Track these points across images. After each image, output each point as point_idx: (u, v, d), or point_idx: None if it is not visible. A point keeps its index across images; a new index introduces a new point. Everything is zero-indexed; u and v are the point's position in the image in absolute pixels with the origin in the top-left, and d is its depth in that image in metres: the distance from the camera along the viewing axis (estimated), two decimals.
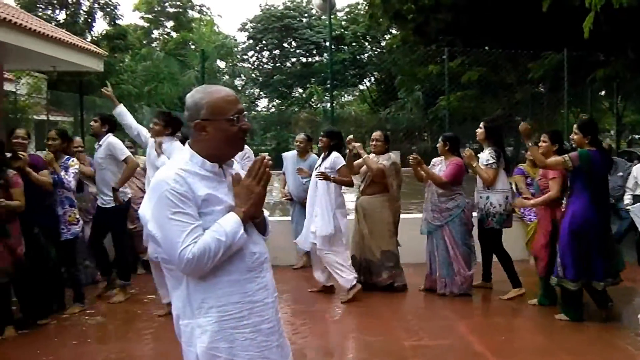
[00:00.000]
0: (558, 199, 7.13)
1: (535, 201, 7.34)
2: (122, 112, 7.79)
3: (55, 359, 5.99)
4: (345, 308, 7.54)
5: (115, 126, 7.95)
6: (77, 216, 7.54)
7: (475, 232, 8.06)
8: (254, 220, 2.84)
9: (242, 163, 7.50)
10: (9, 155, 6.78)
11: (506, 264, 7.90)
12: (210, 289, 2.73)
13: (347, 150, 7.97)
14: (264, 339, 2.76)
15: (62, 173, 7.31)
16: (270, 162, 2.81)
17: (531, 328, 6.79)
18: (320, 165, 7.93)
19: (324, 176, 7.63)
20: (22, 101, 22.81)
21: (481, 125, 7.98)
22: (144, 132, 7.66)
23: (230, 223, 2.69)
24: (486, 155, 7.76)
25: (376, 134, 8.42)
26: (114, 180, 7.68)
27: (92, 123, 7.97)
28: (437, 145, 8.24)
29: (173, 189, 2.66)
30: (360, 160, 8.16)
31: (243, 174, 2.81)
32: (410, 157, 8.13)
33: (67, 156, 7.59)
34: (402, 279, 8.19)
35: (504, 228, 7.85)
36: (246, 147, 8.04)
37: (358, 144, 8.03)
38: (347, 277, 7.69)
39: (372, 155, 8.28)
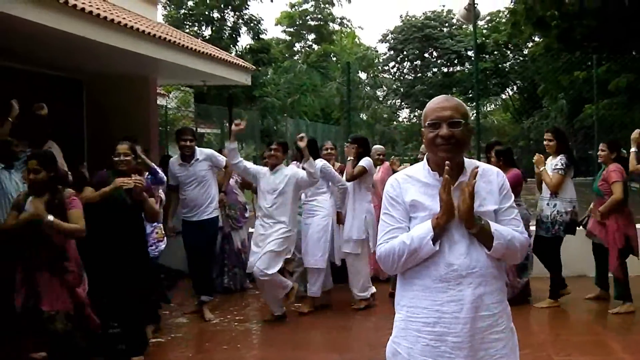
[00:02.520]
0: (622, 202, 7.36)
1: (604, 207, 7.44)
2: (235, 148, 7.39)
3: None
4: None
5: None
6: (163, 232, 7.27)
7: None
8: (470, 230, 2.78)
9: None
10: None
11: (556, 274, 7.82)
12: (406, 288, 2.88)
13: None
14: (449, 351, 2.75)
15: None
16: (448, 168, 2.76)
17: None
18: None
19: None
20: (172, 114, 23.86)
21: (549, 135, 7.96)
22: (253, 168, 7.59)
23: (420, 228, 2.79)
24: (557, 161, 7.67)
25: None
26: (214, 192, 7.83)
27: (188, 143, 7.63)
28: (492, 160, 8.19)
29: (387, 192, 2.94)
30: None
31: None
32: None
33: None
34: None
35: (566, 235, 7.73)
36: (321, 160, 7.98)
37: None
38: None
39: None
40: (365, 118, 40.72)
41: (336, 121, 36.51)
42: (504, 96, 50.43)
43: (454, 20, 49.62)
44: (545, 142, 7.98)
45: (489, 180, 2.90)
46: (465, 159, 2.93)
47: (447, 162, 2.76)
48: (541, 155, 7.90)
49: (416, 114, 51.31)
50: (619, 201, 7.37)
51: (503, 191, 2.91)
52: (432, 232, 2.75)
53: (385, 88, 49.29)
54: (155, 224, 6.95)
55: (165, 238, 7.27)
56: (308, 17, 51.16)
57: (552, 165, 7.71)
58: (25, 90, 8.67)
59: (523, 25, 24.66)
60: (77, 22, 7.20)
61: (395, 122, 50.34)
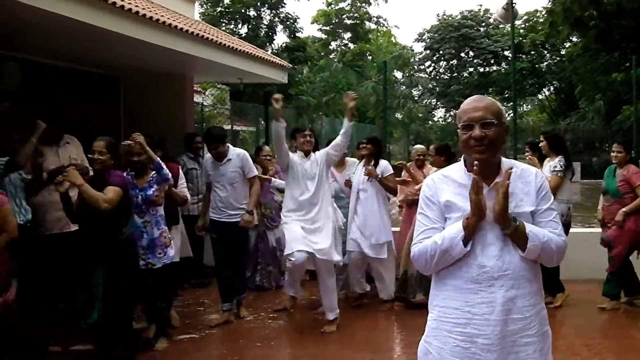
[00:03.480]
0: None
1: (628, 208, 7.41)
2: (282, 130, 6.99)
3: (240, 359, 6.28)
4: None
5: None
6: (170, 236, 6.60)
7: None
8: (505, 231, 2.74)
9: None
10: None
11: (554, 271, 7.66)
12: (439, 288, 2.88)
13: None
14: (479, 353, 2.72)
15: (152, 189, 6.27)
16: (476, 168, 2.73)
17: None
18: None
19: (373, 175, 7.68)
20: (208, 112, 23.96)
21: (541, 137, 8.06)
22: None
23: (451, 229, 2.77)
24: (555, 163, 7.68)
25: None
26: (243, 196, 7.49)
27: (219, 149, 7.28)
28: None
29: (423, 191, 2.95)
30: None
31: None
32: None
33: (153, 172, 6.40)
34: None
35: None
36: (350, 159, 8.51)
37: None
38: None
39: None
40: (400, 117, 40.66)
41: (372, 120, 36.46)
42: (540, 97, 50.12)
43: (491, 20, 49.32)
44: (540, 144, 8.08)
45: (527, 181, 2.86)
46: (504, 160, 2.90)
47: (475, 162, 2.74)
48: (534, 158, 7.91)
49: (452, 113, 51.13)
50: None
51: (541, 192, 2.87)
52: (462, 232, 2.72)
53: (420, 87, 49.22)
54: (162, 227, 6.44)
55: (172, 243, 6.64)
56: (344, 16, 51.20)
57: (551, 167, 7.72)
58: (63, 86, 8.80)
59: (561, 25, 24.48)
60: (116, 19, 7.28)
61: (430, 122, 50.20)
